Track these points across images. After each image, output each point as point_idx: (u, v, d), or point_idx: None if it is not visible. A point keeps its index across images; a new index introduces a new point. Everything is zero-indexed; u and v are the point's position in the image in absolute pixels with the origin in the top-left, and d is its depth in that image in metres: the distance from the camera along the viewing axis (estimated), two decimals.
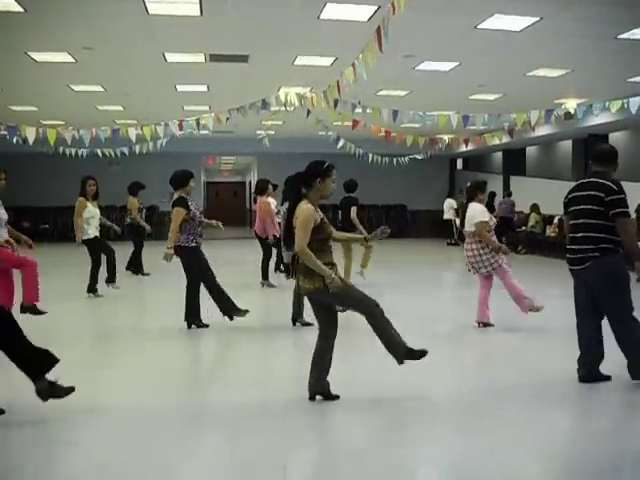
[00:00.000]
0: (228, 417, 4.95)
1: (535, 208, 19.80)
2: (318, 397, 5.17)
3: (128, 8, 8.26)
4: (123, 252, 12.80)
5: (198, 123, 11.40)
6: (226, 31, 9.51)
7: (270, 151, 19.55)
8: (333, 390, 5.19)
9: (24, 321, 5.38)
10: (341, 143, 14.57)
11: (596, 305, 5.66)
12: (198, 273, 8.00)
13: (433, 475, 4.21)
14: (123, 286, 11.15)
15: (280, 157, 23.50)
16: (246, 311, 8.10)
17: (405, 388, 5.60)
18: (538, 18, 8.70)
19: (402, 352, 5.09)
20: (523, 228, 20.04)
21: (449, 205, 23.02)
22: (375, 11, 8.32)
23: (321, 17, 8.70)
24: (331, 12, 8.50)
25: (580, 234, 5.62)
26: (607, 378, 5.71)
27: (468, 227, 8.07)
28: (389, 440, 4.55)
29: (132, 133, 11.52)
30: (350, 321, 5.93)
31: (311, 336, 5.53)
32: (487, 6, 8.30)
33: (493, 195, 21.72)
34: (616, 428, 4.95)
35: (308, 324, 7.98)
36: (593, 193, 5.52)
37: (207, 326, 8.09)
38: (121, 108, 16.48)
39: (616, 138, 18.24)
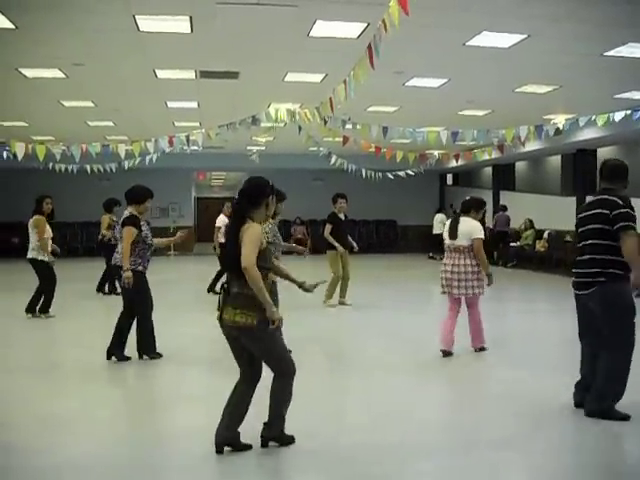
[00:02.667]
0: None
1: (530, 224, 19.90)
2: (227, 448, 4.59)
3: (119, 25, 8.29)
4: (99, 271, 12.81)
5: (188, 139, 11.43)
6: (216, 48, 9.55)
7: (260, 166, 19.58)
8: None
9: None
10: (334, 159, 14.62)
11: (598, 332, 5.35)
12: (136, 300, 7.33)
13: None
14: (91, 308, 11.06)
15: (271, 173, 23.41)
16: (160, 355, 7.47)
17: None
18: (526, 35, 8.78)
19: (276, 430, 4.63)
20: (517, 243, 20.13)
21: (439, 220, 23.13)
22: (365, 28, 8.38)
23: (311, 34, 8.75)
24: (321, 29, 8.55)
25: (586, 256, 5.35)
26: (626, 415, 5.30)
27: (463, 241, 7.56)
28: None
29: (122, 149, 11.55)
30: None
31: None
32: (475, 23, 8.37)
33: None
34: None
35: None
36: (599, 211, 5.26)
37: (161, 356, 7.49)
38: (112, 124, 16.49)
39: (604, 153, 18.35)
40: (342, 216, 11.47)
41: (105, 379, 6.98)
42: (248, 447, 4.61)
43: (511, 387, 6.38)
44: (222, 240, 11.99)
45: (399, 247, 26.52)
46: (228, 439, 4.57)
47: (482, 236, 7.61)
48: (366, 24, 8.21)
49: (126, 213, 7.39)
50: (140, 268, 7.25)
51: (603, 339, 5.30)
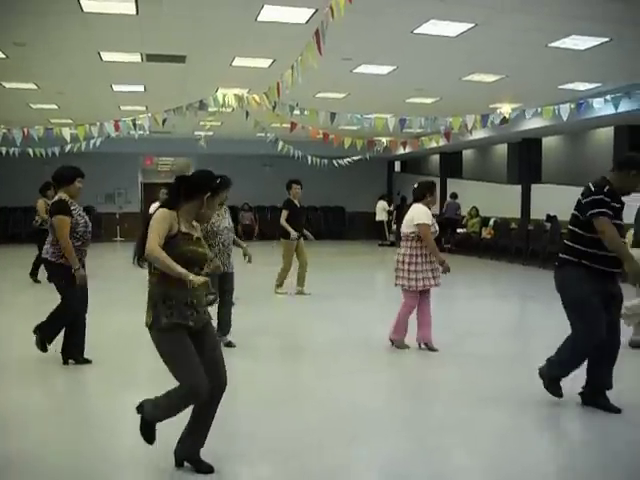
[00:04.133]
0: None
1: (476, 211, 20.20)
2: (186, 464, 4.19)
3: (61, 5, 8.07)
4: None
5: (134, 124, 11.24)
6: (163, 31, 9.40)
7: (208, 152, 19.43)
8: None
9: None
10: (280, 145, 14.56)
11: None
12: (65, 295, 6.55)
13: None
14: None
15: (218, 158, 23.37)
16: (88, 361, 6.69)
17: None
18: (472, 25, 8.85)
19: (147, 432, 4.10)
20: (464, 230, 20.41)
21: (381, 207, 23.46)
22: (313, 14, 8.34)
23: (259, 19, 8.68)
24: (269, 14, 8.48)
25: (565, 240, 5.44)
26: (560, 395, 5.45)
27: (406, 229, 7.28)
28: None
29: (66, 133, 11.30)
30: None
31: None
32: (423, 11, 8.40)
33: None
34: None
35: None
36: (578, 198, 5.27)
37: (90, 362, 6.70)
38: (55, 107, 16.14)
39: (549, 142, 18.69)
40: (297, 202, 11.36)
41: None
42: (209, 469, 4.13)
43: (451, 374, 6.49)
44: None
45: (347, 234, 26.61)
46: (187, 455, 4.18)
47: (426, 221, 7.13)
48: (314, 9, 8.17)
49: (55, 199, 6.52)
50: (69, 263, 6.36)
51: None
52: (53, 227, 6.38)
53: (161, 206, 4.01)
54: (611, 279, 5.27)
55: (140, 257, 3.98)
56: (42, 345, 6.67)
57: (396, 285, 7.41)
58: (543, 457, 4.50)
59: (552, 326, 6.99)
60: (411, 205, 7.52)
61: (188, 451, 4.15)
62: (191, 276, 3.77)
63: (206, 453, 4.15)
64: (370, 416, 5.26)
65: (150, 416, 4.07)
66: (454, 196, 21.23)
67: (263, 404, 5.55)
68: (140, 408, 4.14)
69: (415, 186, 7.66)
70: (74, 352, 6.67)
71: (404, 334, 7.49)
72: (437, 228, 7.35)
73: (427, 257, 7.19)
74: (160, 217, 3.91)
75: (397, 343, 7.49)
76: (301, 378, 6.73)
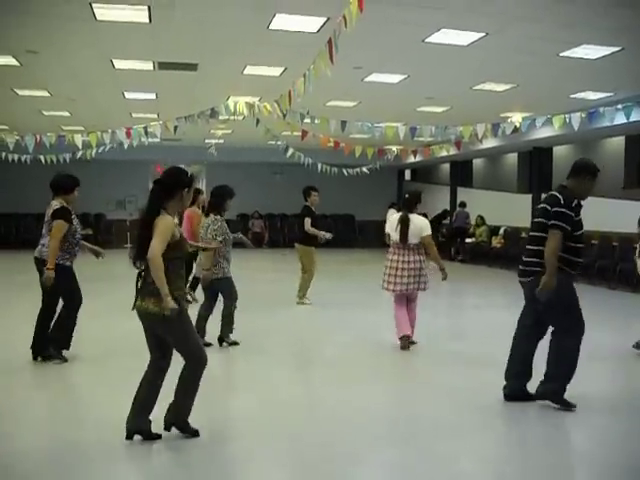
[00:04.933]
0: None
1: (482, 220, 20.15)
2: (137, 437, 4.69)
3: (75, 13, 8.12)
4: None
5: (146, 131, 11.29)
6: (175, 39, 9.44)
7: (218, 160, 19.49)
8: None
9: None
10: (290, 152, 14.59)
11: (539, 320, 5.64)
12: (65, 296, 6.98)
13: None
14: None
15: (229, 166, 23.50)
16: (65, 360, 7.01)
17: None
18: (484, 34, 8.86)
19: (182, 419, 4.73)
20: (473, 239, 20.39)
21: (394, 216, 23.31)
22: (324, 22, 8.36)
23: (270, 27, 8.71)
24: (281, 22, 8.51)
25: (531, 246, 5.66)
26: (531, 397, 5.66)
27: (413, 239, 7.81)
28: None
29: (78, 140, 11.36)
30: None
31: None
32: (434, 20, 8.41)
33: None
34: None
35: (208, 344, 7.56)
36: (543, 205, 5.57)
37: (66, 360, 7.02)
38: (67, 114, 16.22)
39: (560, 152, 18.64)
40: (314, 209, 11.27)
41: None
42: (157, 436, 4.70)
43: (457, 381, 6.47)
44: None
45: (357, 242, 26.58)
46: (138, 427, 4.65)
47: (430, 232, 7.86)
48: (326, 18, 8.20)
49: (55, 204, 6.91)
50: (68, 263, 6.92)
51: (554, 330, 5.60)
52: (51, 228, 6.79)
53: (152, 209, 4.54)
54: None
55: (138, 258, 4.55)
56: (62, 358, 7.03)
57: (415, 289, 7.84)
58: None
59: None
60: (407, 215, 7.96)
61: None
62: (168, 298, 4.37)
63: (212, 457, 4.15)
64: (379, 423, 5.25)
65: (186, 415, 4.71)
66: (463, 205, 21.21)
67: (270, 407, 5.57)
68: (177, 425, 4.74)
69: (406, 196, 8.29)
70: (46, 347, 6.99)
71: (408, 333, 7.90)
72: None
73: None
74: (168, 226, 4.45)
75: (405, 345, 7.84)
76: (309, 384, 6.75)
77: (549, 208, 5.46)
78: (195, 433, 4.75)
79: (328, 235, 11.04)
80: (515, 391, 5.72)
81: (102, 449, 4.61)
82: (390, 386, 6.63)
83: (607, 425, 5.35)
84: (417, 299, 8.10)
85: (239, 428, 5.16)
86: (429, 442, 4.90)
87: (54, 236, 6.73)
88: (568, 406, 5.50)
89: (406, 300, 8.00)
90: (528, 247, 5.71)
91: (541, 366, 5.63)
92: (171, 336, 4.61)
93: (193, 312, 5.91)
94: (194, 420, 4.78)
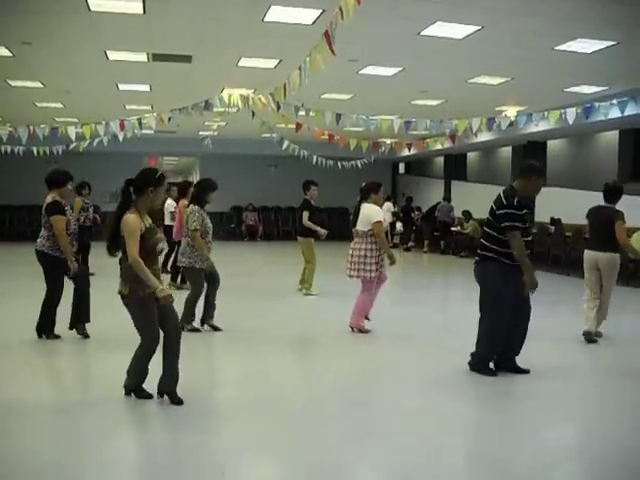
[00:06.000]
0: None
1: (468, 215, 19.76)
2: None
3: (69, 3, 8.09)
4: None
5: (140, 123, 11.24)
6: (169, 31, 9.41)
7: (212, 152, 19.45)
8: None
9: None
10: (285, 144, 14.57)
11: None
12: (50, 285, 7.40)
13: None
14: None
15: (223, 158, 23.46)
16: (86, 335, 7.53)
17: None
18: (479, 27, 8.86)
19: (130, 383, 5.33)
20: (458, 228, 20.15)
21: (387, 208, 23.25)
22: (319, 14, 8.34)
23: (265, 19, 8.69)
24: (275, 14, 8.49)
25: (482, 240, 6.29)
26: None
27: (362, 227, 8.06)
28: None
29: (72, 131, 11.30)
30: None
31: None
32: (429, 13, 8.40)
33: (409, 199, 22.25)
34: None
35: (216, 328, 8.12)
36: (491, 205, 6.18)
37: (58, 337, 7.50)
38: (61, 105, 16.17)
39: (554, 145, 18.68)
40: (313, 203, 11.36)
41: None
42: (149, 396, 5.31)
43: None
44: (167, 222, 12.26)
45: (351, 235, 26.49)
46: (133, 387, 5.32)
47: (379, 218, 7.97)
48: (321, 10, 8.18)
49: (48, 199, 7.30)
50: (62, 256, 7.22)
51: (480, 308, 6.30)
52: (51, 225, 7.19)
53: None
54: (519, 270, 6.02)
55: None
56: (54, 336, 7.51)
57: (360, 277, 8.09)
58: None
59: (554, 327, 8.28)
60: (360, 204, 8.33)
61: (166, 386, 5.25)
62: (160, 288, 4.94)
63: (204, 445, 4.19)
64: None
65: (134, 384, 5.30)
66: (446, 199, 21.14)
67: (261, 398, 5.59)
68: (126, 389, 5.33)
69: (363, 185, 8.53)
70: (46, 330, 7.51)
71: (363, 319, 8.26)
72: (387, 223, 7.93)
73: (378, 251, 8.04)
74: (133, 226, 4.93)
75: (362, 329, 8.15)
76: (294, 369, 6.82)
77: (494, 208, 6.08)
78: (150, 396, 5.30)
79: (323, 232, 11.30)
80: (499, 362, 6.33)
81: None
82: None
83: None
84: (366, 287, 8.15)
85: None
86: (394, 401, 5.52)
87: (59, 233, 7.12)
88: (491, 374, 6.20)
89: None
90: (481, 240, 6.33)
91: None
92: (130, 313, 5.13)
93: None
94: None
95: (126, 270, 5.01)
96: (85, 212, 12.55)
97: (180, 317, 7.81)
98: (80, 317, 7.56)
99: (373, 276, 7.98)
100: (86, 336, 7.54)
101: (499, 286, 6.05)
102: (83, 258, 12.81)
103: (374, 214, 7.99)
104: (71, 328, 7.59)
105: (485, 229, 6.23)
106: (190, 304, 8.03)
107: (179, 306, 6.43)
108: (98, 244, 13.14)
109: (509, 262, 6.01)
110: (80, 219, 12.23)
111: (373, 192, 8.23)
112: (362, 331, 8.12)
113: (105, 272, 8.56)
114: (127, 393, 5.35)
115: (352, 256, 8.12)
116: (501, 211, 5.97)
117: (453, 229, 20.33)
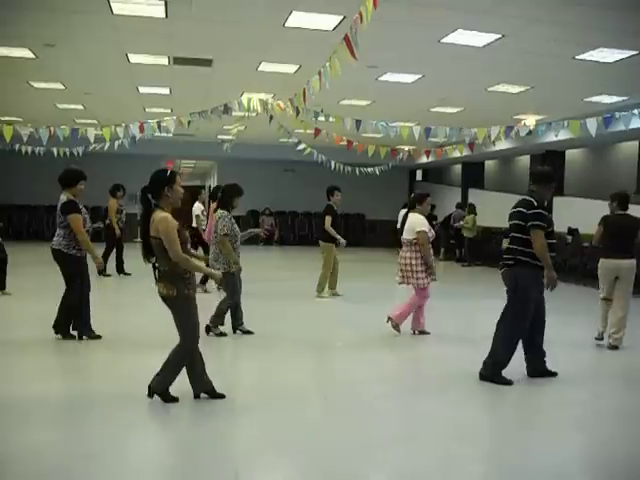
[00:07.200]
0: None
1: (472, 209, 19.52)
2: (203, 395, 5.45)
3: (92, 6, 8.16)
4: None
5: (159, 125, 11.29)
6: (191, 34, 9.47)
7: (230, 156, 19.50)
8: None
9: None
10: (302, 146, 14.57)
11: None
12: (68, 281, 7.45)
13: None
14: None
15: (240, 162, 23.53)
16: (98, 336, 7.58)
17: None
18: (500, 35, 8.84)
19: (160, 388, 5.30)
20: (461, 223, 19.85)
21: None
22: (341, 20, 8.37)
23: (286, 24, 8.72)
24: (297, 20, 8.52)
25: (510, 245, 6.35)
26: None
27: (408, 235, 8.32)
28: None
29: (91, 133, 11.37)
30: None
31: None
32: (450, 21, 8.41)
33: (433, 207, 22.04)
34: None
35: (248, 332, 8.17)
36: (518, 209, 6.22)
37: (74, 337, 7.54)
38: (81, 107, 16.28)
39: (572, 155, 18.58)
40: (336, 209, 11.55)
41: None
42: (175, 399, 5.30)
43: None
44: (194, 225, 12.29)
45: (367, 241, 26.53)
46: (160, 390, 5.29)
47: (424, 228, 8.22)
48: (342, 17, 8.21)
49: (63, 198, 7.37)
50: (79, 254, 7.33)
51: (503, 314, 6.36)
52: (67, 225, 7.26)
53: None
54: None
55: (146, 255, 5.24)
56: (70, 336, 7.55)
57: (413, 284, 8.34)
58: None
59: (574, 335, 8.57)
60: (407, 214, 8.61)
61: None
62: (212, 272, 5.50)
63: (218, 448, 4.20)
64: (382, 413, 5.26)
65: (162, 387, 5.26)
66: (459, 206, 21.04)
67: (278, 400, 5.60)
68: (150, 390, 5.30)
69: (411, 196, 8.92)
70: (78, 328, 7.56)
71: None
72: (433, 233, 8.47)
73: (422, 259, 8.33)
74: (171, 225, 5.00)
75: (397, 326, 8.37)
76: (314, 374, 6.82)
77: (524, 211, 6.11)
78: (175, 400, 5.29)
79: (343, 242, 11.51)
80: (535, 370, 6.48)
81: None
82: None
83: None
84: (418, 294, 8.36)
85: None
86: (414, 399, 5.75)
87: (77, 231, 7.18)
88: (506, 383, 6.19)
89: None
90: (509, 245, 6.37)
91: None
92: (173, 315, 5.21)
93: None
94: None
95: (170, 272, 5.07)
96: (119, 214, 13.06)
97: (209, 319, 8.01)
98: (82, 320, 7.56)
99: (422, 283, 8.27)
100: (97, 337, 7.58)
101: (530, 288, 6.18)
102: (118, 258, 13.57)
103: (418, 223, 8.28)
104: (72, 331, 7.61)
105: (514, 235, 6.28)
106: (223, 309, 8.04)
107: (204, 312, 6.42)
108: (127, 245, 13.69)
109: (540, 264, 6.12)
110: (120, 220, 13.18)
111: (419, 203, 8.51)
112: (395, 328, 8.33)
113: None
114: (150, 395, 5.33)
115: (400, 264, 8.41)
116: (532, 211, 6.08)
117: (456, 225, 20.08)
